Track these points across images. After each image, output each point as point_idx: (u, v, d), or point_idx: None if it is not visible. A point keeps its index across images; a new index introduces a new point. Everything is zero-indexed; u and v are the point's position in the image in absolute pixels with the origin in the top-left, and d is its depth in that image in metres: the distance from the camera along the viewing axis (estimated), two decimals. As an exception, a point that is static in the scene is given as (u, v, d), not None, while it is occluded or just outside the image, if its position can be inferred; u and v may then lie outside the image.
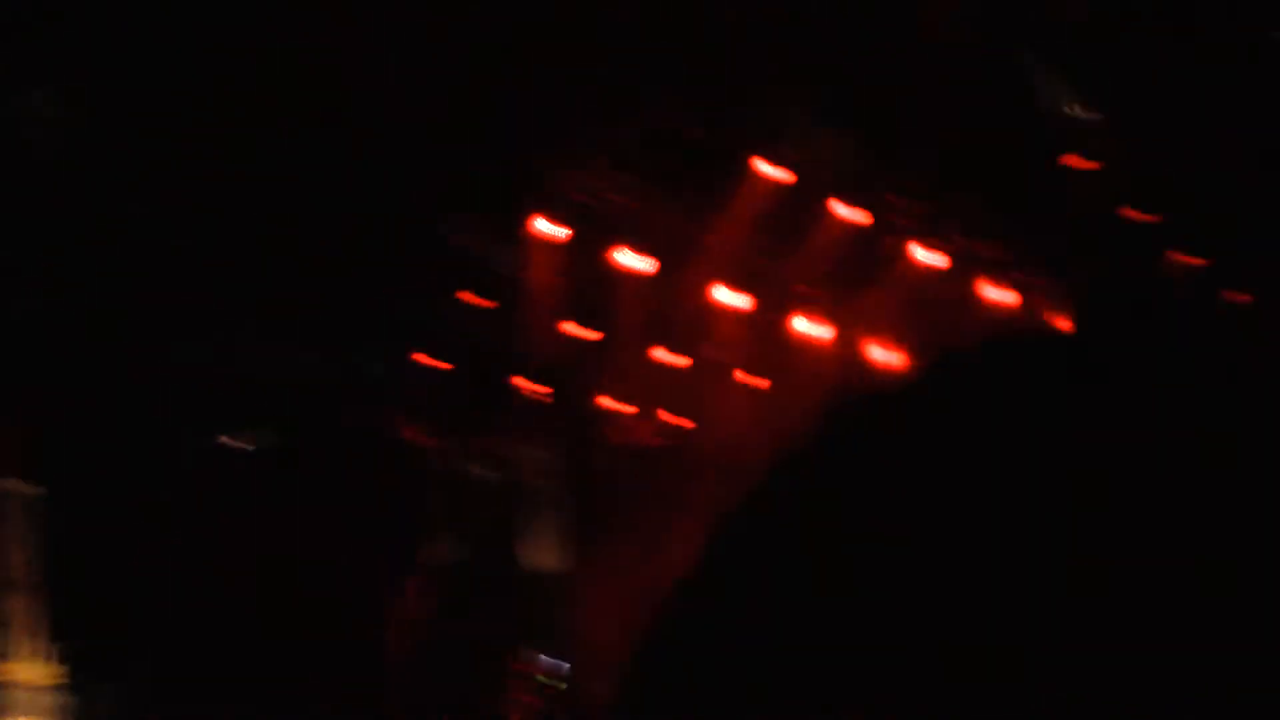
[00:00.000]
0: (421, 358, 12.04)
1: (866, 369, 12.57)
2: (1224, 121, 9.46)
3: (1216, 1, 8.25)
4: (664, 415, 14.19)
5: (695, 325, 12.45)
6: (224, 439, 11.89)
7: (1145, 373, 11.64)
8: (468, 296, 11.63)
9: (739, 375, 12.93)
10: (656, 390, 13.37)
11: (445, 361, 12.23)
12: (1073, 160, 9.79)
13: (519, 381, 12.87)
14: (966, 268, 11.76)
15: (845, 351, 12.59)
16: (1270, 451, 10.63)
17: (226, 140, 9.74)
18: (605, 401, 13.98)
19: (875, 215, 11.27)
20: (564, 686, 13.39)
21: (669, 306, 12.08)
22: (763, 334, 12.50)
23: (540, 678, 14.08)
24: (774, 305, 12.08)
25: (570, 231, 11.19)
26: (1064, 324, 12.10)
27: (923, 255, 11.60)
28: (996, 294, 11.89)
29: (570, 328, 12.14)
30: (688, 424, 13.52)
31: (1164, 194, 10.56)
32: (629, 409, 14.15)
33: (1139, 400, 11.46)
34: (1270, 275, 10.93)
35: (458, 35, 9.46)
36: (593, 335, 12.34)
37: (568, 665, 13.99)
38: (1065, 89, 9.26)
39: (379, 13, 9.19)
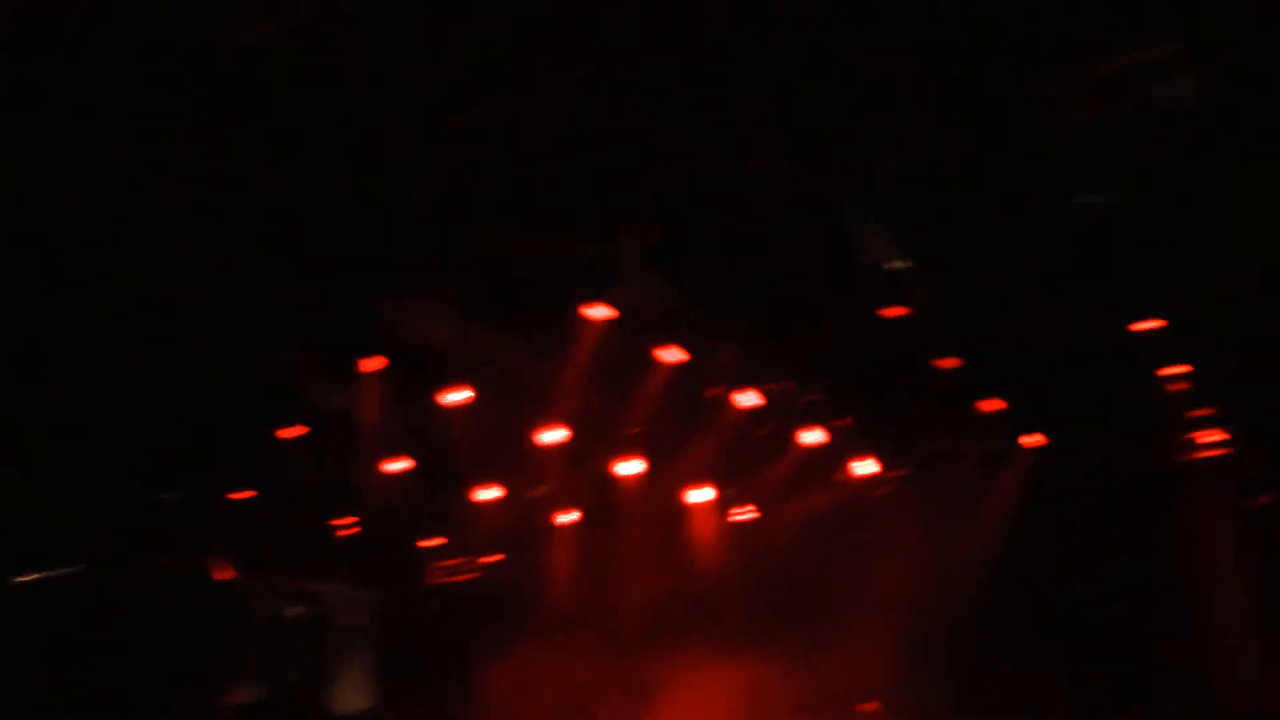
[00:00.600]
0: (235, 494, 11.74)
1: (683, 507, 12.83)
2: (1029, 279, 10.02)
3: (1025, 166, 8.77)
4: (483, 555, 14.13)
5: (518, 464, 12.49)
6: (22, 575, 11.35)
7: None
8: (286, 431, 11.40)
9: (560, 514, 12.99)
10: (476, 529, 13.31)
11: (259, 497, 11.94)
12: (890, 310, 10.21)
13: (336, 519, 12.67)
14: (782, 411, 12.13)
15: (663, 491, 12.80)
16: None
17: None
18: (424, 541, 13.84)
19: (696, 359, 11.52)
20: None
21: (494, 445, 12.08)
22: (585, 473, 12.60)
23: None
24: (597, 444, 12.19)
25: (395, 367, 11.14)
26: (870, 466, 12.57)
27: (741, 399, 11.94)
28: (810, 437, 12.27)
29: (392, 465, 12.02)
30: (505, 563, 13.49)
31: (970, 343, 11.08)
32: (448, 549, 14.04)
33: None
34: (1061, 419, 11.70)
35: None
36: (414, 473, 12.23)
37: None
38: (884, 242, 9.69)
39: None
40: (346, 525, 12.85)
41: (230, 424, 11.34)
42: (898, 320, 10.21)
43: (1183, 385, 11.13)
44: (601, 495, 13.04)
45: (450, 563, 14.20)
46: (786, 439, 12.17)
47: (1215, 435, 11.41)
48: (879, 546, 12.41)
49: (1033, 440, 12.10)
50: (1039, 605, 11.98)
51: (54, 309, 9.73)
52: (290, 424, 11.54)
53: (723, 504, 13.05)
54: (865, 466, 12.50)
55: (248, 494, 11.83)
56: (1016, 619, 12.02)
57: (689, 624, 12.89)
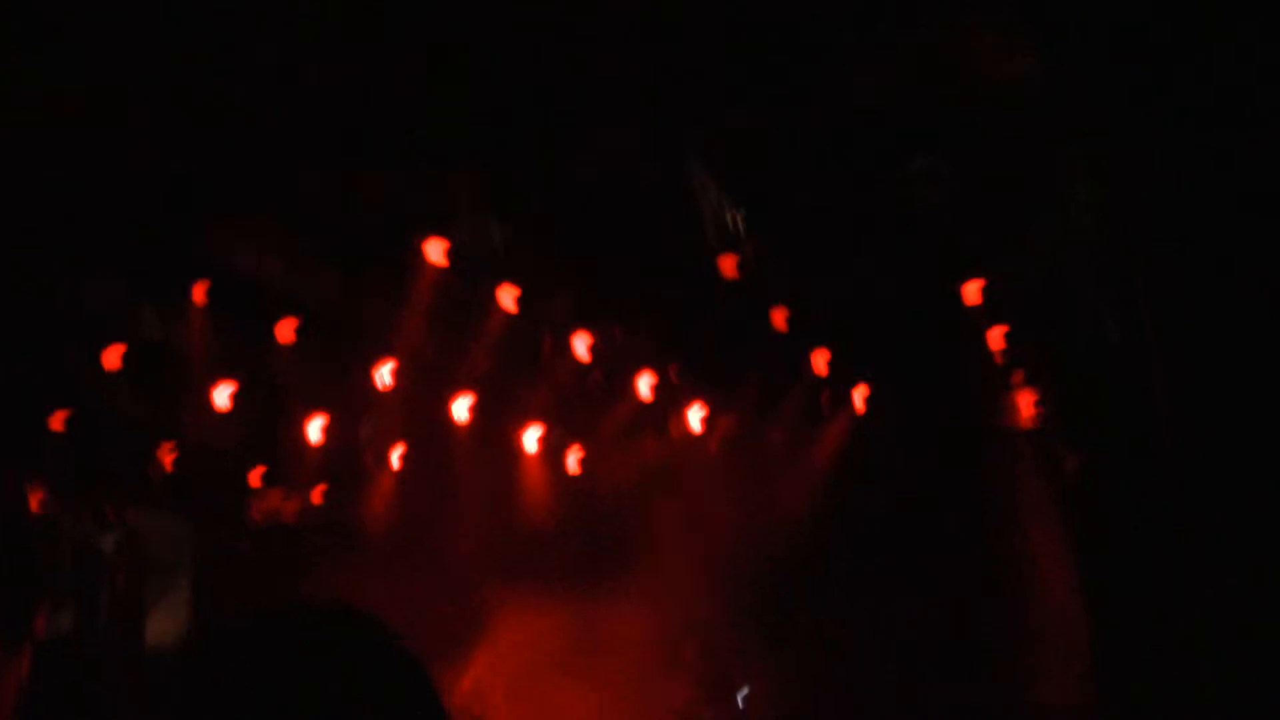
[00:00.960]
0: (52, 420, 11.36)
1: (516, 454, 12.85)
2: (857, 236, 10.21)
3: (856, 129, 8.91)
4: (311, 494, 13.97)
5: (348, 400, 12.37)
6: None
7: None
8: (109, 359, 11.05)
9: (389, 457, 12.90)
10: (304, 468, 13.14)
11: (74, 424, 11.58)
12: (727, 264, 10.32)
13: (157, 450, 12.38)
14: (613, 357, 12.21)
15: (494, 432, 12.80)
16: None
17: None
18: (249, 475, 13.62)
19: (530, 305, 11.52)
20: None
21: (323, 380, 11.93)
22: (415, 411, 12.52)
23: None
24: (431, 388, 12.12)
25: (224, 296, 10.91)
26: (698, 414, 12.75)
27: (576, 343, 11.99)
28: (641, 383, 12.38)
29: (220, 397, 11.77)
30: (331, 498, 13.34)
31: (801, 298, 11.27)
32: (273, 485, 13.85)
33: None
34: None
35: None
36: (239, 404, 12.01)
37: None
38: (725, 196, 9.77)
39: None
40: (167, 455, 12.56)
41: (48, 348, 11.00)
42: (731, 270, 10.30)
43: (1004, 349, 11.48)
44: (431, 433, 13.01)
45: (273, 497, 14.01)
46: (618, 385, 12.25)
47: (1031, 398, 11.79)
48: (704, 495, 12.61)
49: (857, 395, 12.38)
50: (854, 557, 12.28)
51: None
52: (111, 349, 11.15)
53: (554, 447, 13.08)
54: (694, 414, 12.65)
55: (62, 419, 11.42)
56: (832, 569, 12.32)
57: (518, 564, 12.94)
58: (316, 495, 13.66)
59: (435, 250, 10.38)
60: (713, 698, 12.49)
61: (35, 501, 11.76)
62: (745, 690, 12.34)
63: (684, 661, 12.47)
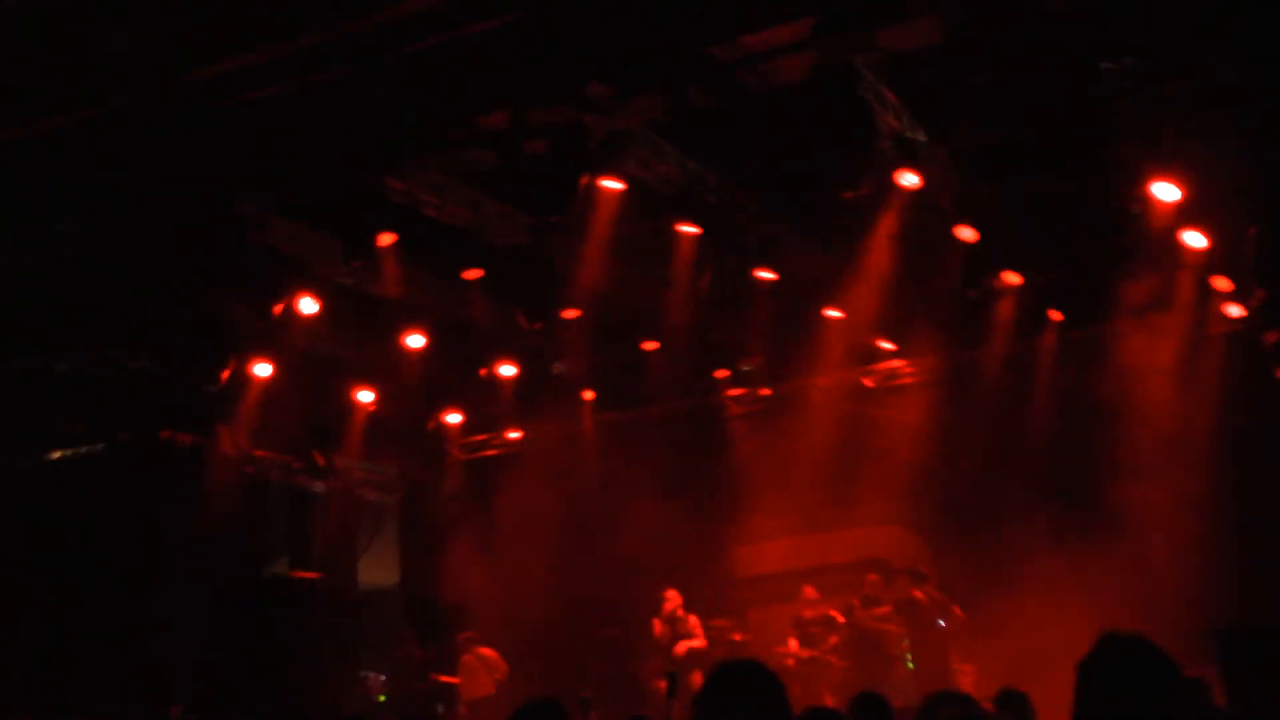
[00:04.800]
0: (253, 368, 11.71)
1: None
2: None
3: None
4: (505, 430, 14.24)
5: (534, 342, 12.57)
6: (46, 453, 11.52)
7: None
8: (299, 306, 11.28)
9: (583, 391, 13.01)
10: (496, 404, 13.42)
11: (277, 371, 11.91)
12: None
13: (355, 394, 12.73)
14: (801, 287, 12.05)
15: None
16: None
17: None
18: (445, 414, 13.94)
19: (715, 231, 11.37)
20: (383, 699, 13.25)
21: (509, 323, 12.09)
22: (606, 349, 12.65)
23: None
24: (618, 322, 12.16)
25: (409, 243, 11.06)
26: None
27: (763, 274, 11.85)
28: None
29: (410, 340, 12.00)
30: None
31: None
32: (469, 423, 14.13)
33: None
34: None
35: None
36: (432, 348, 12.24)
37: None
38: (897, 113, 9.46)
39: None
40: (366, 400, 12.90)
41: (243, 297, 11.30)
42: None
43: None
44: (623, 373, 13.12)
45: (473, 438, 14.31)
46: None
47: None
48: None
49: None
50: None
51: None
52: (301, 297, 11.36)
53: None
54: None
55: (266, 366, 11.75)
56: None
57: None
58: (510, 435, 13.91)
59: (613, 185, 10.29)
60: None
61: (244, 449, 12.19)
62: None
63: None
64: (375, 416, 13.08)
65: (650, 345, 12.75)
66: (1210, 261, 11.07)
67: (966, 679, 12.16)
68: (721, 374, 13.52)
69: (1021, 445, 12.09)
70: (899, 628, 12.39)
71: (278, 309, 11.05)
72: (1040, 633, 10.09)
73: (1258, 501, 10.72)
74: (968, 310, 12.02)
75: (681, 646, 12.47)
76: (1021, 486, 12.06)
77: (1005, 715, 6.33)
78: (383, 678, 13.08)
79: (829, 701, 12.23)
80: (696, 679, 11.04)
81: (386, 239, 10.77)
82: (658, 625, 12.27)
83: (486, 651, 13.11)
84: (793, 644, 12.67)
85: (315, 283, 11.07)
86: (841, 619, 12.63)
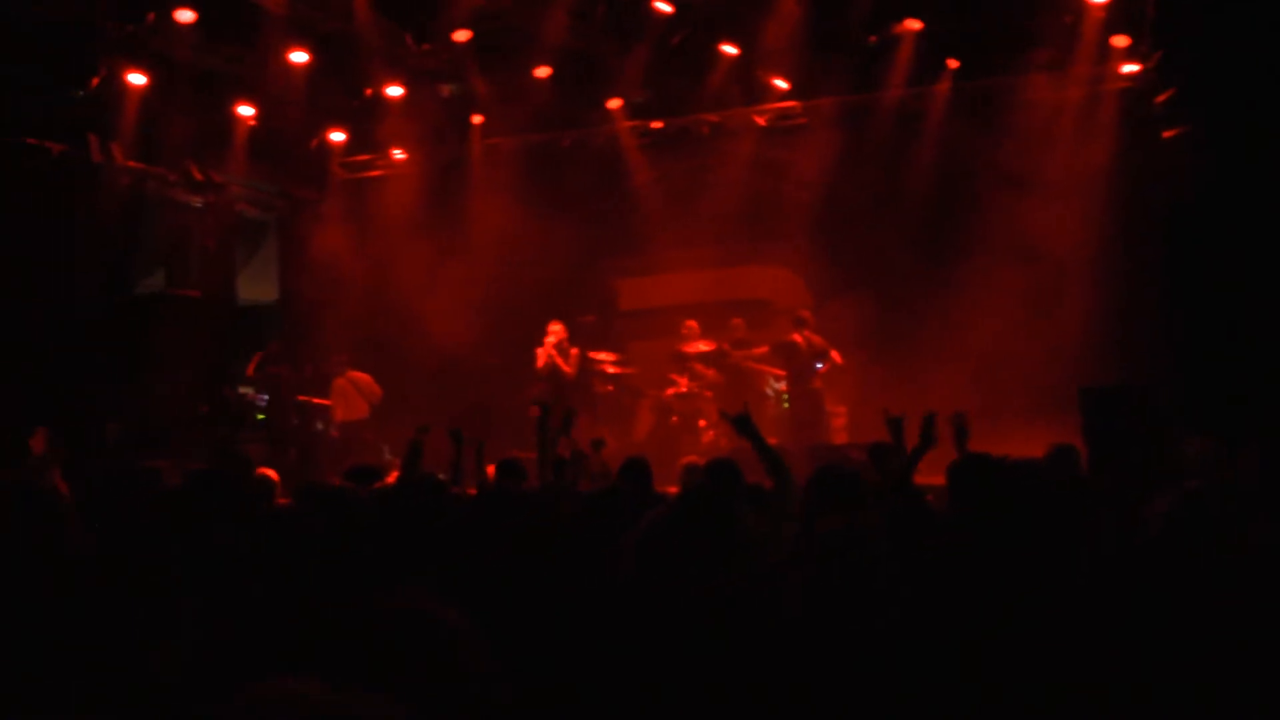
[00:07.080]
0: (126, 77, 11.17)
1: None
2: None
3: None
4: (394, 152, 13.90)
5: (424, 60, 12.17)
6: None
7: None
8: (176, 15, 10.73)
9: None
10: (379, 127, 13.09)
11: (155, 84, 11.40)
12: None
13: (238, 110, 12.29)
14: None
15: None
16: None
17: None
18: (330, 135, 13.57)
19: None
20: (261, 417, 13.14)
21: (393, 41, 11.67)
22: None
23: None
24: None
25: None
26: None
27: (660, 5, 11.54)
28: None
29: (293, 55, 11.54)
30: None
31: None
32: (352, 143, 13.76)
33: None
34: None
35: None
36: (315, 67, 11.79)
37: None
38: None
39: None
40: (247, 114, 12.47)
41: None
42: None
43: None
44: (514, 98, 12.84)
45: (356, 158, 13.97)
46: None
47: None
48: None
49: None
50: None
51: None
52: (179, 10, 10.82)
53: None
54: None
55: (139, 76, 11.23)
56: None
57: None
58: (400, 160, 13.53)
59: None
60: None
61: (119, 162, 11.71)
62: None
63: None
64: (256, 132, 12.67)
65: (543, 71, 12.41)
66: (1109, 18, 11.01)
67: (839, 420, 12.51)
68: (614, 104, 13.19)
69: (905, 196, 12.13)
70: (775, 369, 12.65)
71: (150, 16, 10.51)
72: (914, 383, 10.34)
73: (1133, 261, 10.87)
74: (867, 56, 11.85)
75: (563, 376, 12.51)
76: (903, 238, 12.19)
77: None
78: (265, 398, 12.92)
79: (708, 436, 12.56)
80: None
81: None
82: (540, 355, 12.30)
83: (359, 375, 13.09)
84: (683, 381, 12.85)
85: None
86: (733, 353, 12.84)
